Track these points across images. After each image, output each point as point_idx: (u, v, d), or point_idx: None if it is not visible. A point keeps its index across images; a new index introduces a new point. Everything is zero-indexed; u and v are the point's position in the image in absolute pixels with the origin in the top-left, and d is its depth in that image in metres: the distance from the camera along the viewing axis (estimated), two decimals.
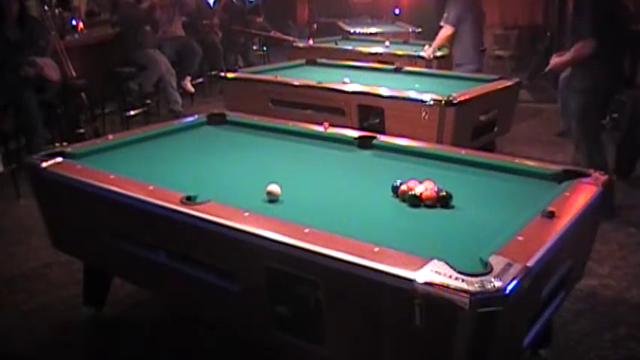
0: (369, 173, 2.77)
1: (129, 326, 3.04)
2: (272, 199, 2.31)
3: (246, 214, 2.06)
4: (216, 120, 3.60)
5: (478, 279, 1.59)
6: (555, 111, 7.43)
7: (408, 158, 2.88)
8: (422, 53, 6.21)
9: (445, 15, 5.61)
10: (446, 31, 5.61)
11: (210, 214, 2.08)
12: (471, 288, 1.55)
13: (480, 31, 5.80)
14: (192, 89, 7.62)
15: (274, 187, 2.32)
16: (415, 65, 6.11)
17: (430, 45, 7.09)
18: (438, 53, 6.61)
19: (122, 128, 6.14)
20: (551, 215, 2.01)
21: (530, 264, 1.69)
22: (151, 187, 2.34)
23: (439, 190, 2.29)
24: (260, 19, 9.47)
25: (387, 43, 7.50)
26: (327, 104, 4.55)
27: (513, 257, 1.71)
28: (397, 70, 5.60)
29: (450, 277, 1.60)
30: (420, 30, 9.65)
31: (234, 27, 9.14)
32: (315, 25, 10.88)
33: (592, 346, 2.80)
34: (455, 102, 4.02)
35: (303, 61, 6.03)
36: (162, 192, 2.29)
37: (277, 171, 2.73)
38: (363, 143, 3.06)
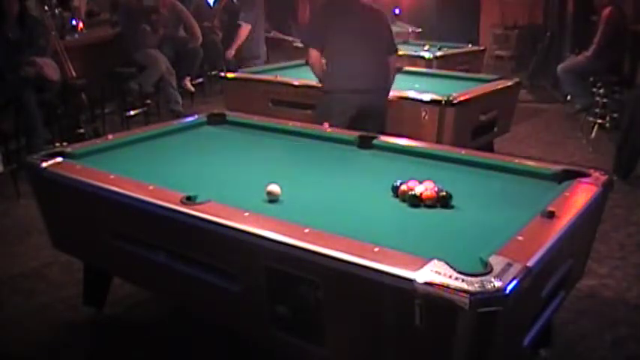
0: (369, 173, 2.77)
1: (129, 326, 3.04)
2: (272, 199, 2.31)
3: (246, 214, 2.06)
4: (216, 120, 3.60)
5: (478, 279, 1.58)
6: (555, 111, 7.46)
7: (408, 158, 2.88)
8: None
9: (242, 14, 6.23)
10: (245, 29, 6.17)
11: (210, 214, 2.08)
12: (470, 288, 1.55)
13: (263, 27, 6.62)
14: (192, 89, 7.62)
15: (274, 187, 2.32)
16: (415, 65, 6.11)
17: (431, 45, 7.14)
18: (438, 53, 6.62)
19: (122, 128, 6.14)
20: (551, 215, 2.00)
21: (530, 264, 1.69)
22: (150, 187, 2.34)
23: (439, 190, 2.29)
24: None
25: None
26: None
27: (513, 257, 1.71)
28: (397, 70, 5.59)
29: (450, 277, 1.60)
30: (420, 30, 9.65)
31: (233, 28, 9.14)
32: None
33: (592, 346, 2.80)
34: (455, 102, 4.02)
35: (303, 61, 6.04)
36: (162, 192, 2.29)
37: (277, 171, 2.72)
38: (363, 143, 3.06)
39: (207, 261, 2.20)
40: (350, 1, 4.00)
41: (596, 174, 2.44)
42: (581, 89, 6.58)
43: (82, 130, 5.58)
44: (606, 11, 6.25)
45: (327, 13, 4.13)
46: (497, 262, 1.68)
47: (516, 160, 2.73)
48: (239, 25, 6.21)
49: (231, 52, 6.40)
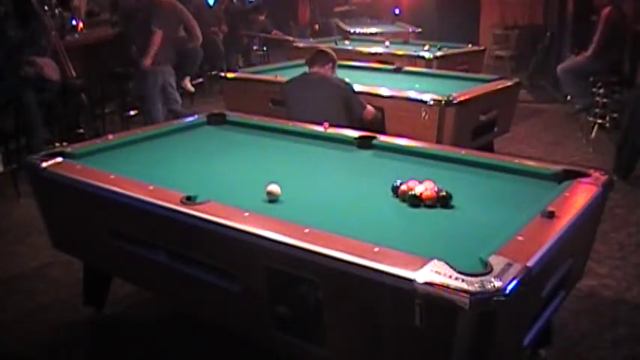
0: (369, 173, 2.77)
1: (129, 326, 3.04)
2: (272, 199, 2.31)
3: (246, 214, 2.06)
4: (216, 120, 3.60)
5: (478, 279, 1.59)
6: (555, 111, 7.46)
7: (408, 158, 2.88)
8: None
9: (154, 20, 5.95)
10: (157, 35, 5.92)
11: (211, 214, 2.08)
12: (471, 288, 1.55)
13: (174, 32, 6.36)
14: (192, 89, 7.61)
15: (274, 187, 2.32)
16: (415, 65, 6.11)
17: (432, 45, 7.14)
18: (438, 53, 6.62)
19: (122, 128, 6.14)
20: (551, 215, 2.00)
21: (530, 264, 1.69)
22: (151, 187, 2.34)
23: (439, 190, 2.29)
24: (262, 17, 9.42)
25: (387, 43, 7.50)
26: None
27: (513, 257, 1.71)
28: (397, 70, 5.61)
29: (450, 277, 1.60)
30: (420, 30, 9.65)
31: (242, 32, 9.13)
32: (317, 26, 10.89)
33: (592, 346, 2.80)
34: (455, 102, 4.02)
35: (303, 61, 6.03)
36: (162, 192, 2.29)
37: (277, 171, 2.72)
38: (363, 143, 3.06)
39: (208, 261, 2.20)
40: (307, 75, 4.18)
41: (596, 174, 2.44)
42: (581, 89, 6.58)
43: (82, 130, 5.58)
44: (605, 11, 6.24)
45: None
46: (497, 262, 1.68)
47: (516, 160, 2.73)
48: (153, 32, 5.88)
49: (147, 61, 5.88)
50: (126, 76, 6.57)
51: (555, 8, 8.76)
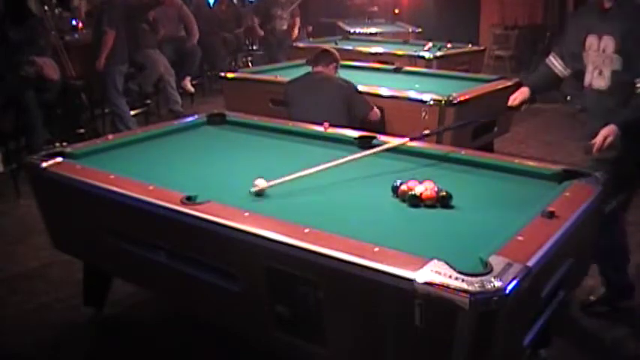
0: (369, 173, 2.77)
1: (129, 326, 3.04)
2: (258, 192, 2.33)
3: (246, 214, 2.06)
4: (216, 120, 3.60)
5: (478, 279, 1.59)
6: (555, 111, 7.46)
7: (408, 158, 2.88)
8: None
9: (106, 20, 5.85)
10: (110, 36, 5.82)
11: (211, 214, 2.08)
12: (471, 288, 1.55)
13: (129, 31, 6.20)
14: (192, 89, 7.62)
15: (259, 181, 2.34)
16: (415, 65, 6.11)
17: (433, 44, 7.13)
18: (438, 53, 6.62)
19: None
20: (551, 215, 2.01)
21: (530, 264, 1.69)
22: (151, 187, 2.34)
23: (439, 190, 2.29)
24: None
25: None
26: None
27: (513, 257, 1.71)
28: (397, 70, 5.61)
29: (450, 277, 1.60)
30: (420, 30, 9.65)
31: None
32: (311, 28, 10.80)
33: (592, 346, 2.80)
34: (455, 102, 4.02)
35: (303, 61, 6.04)
36: (162, 192, 2.29)
37: (277, 171, 2.72)
38: (363, 143, 3.06)
39: (208, 261, 2.20)
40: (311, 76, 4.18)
41: (596, 174, 2.44)
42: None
43: (82, 130, 5.59)
44: None
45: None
46: (497, 262, 1.68)
47: (516, 160, 2.73)
48: (104, 32, 5.79)
49: (100, 62, 5.80)
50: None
51: (555, 8, 8.78)
